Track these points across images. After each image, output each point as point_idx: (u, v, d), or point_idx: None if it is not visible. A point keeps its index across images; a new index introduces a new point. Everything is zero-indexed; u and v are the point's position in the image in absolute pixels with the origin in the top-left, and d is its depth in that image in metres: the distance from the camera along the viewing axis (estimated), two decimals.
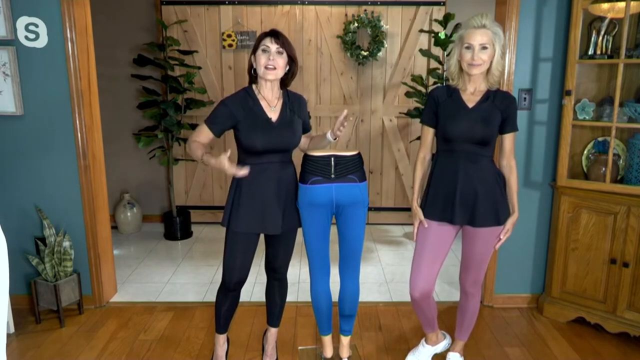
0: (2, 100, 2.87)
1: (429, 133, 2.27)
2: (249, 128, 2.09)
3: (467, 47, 2.07)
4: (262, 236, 2.32)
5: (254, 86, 2.18)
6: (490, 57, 2.08)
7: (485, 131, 2.11)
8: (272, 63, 2.06)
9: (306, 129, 2.29)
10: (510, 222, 2.22)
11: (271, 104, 2.15)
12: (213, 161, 1.99)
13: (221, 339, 2.45)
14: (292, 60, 2.14)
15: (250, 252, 2.24)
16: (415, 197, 2.32)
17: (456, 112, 2.15)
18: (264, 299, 2.50)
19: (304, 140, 2.33)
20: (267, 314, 2.50)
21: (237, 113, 2.10)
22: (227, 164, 1.94)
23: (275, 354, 2.55)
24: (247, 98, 2.14)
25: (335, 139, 2.16)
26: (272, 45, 2.06)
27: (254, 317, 3.01)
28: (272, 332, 2.52)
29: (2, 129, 2.93)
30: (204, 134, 2.13)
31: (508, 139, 2.20)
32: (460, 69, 2.15)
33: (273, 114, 2.14)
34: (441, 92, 2.23)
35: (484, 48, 2.06)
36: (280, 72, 2.10)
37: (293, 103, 2.21)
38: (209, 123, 2.13)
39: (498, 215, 2.18)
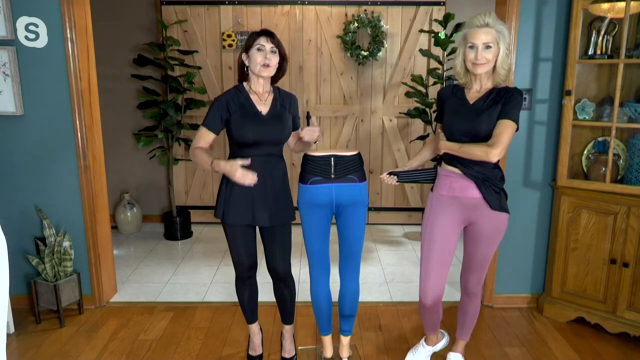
0: (2, 100, 2.87)
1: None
2: (240, 121, 2.18)
3: (471, 47, 2.06)
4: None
5: (244, 83, 2.27)
6: (495, 55, 2.07)
7: (488, 125, 2.06)
8: (267, 62, 2.15)
9: (295, 126, 2.36)
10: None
11: (262, 98, 2.24)
12: (224, 165, 2.08)
13: (254, 328, 2.56)
14: (282, 59, 2.23)
15: (250, 240, 2.33)
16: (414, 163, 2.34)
17: (457, 107, 2.16)
18: (267, 298, 2.50)
19: (292, 140, 2.39)
20: (280, 314, 2.55)
21: (230, 106, 2.19)
22: (240, 173, 2.04)
23: (293, 349, 2.58)
24: (238, 94, 2.23)
25: (315, 142, 2.26)
26: (267, 45, 2.16)
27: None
28: (287, 329, 2.58)
29: (2, 129, 2.93)
30: (204, 137, 2.21)
31: (498, 126, 2.05)
32: (467, 68, 2.15)
33: (263, 108, 2.23)
34: (446, 90, 2.27)
35: (488, 47, 2.05)
36: (274, 70, 2.20)
37: (284, 99, 2.30)
38: (207, 124, 2.21)
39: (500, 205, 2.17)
